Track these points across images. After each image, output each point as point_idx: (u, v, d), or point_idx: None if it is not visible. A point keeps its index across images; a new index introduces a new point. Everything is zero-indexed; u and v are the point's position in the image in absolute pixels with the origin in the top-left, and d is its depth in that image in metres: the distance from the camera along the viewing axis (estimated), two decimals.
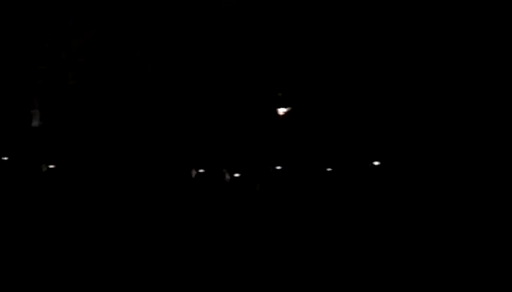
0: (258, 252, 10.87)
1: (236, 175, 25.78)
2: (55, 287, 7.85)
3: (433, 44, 21.92)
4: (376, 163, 22.43)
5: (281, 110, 23.22)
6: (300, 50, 23.93)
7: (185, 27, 24.34)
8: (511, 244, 11.37)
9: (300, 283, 8.21)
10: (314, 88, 24.09)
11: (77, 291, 7.67)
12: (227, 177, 25.44)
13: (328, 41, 23.41)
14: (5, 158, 22.86)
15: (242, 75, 24.75)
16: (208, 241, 12.37)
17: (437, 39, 21.83)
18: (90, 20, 24.22)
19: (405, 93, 22.46)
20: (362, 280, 8.32)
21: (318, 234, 13.77)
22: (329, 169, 23.88)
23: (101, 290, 7.72)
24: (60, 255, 10.30)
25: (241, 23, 24.01)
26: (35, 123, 23.49)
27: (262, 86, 24.73)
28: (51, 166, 23.29)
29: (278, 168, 25.20)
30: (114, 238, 12.84)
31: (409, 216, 16.93)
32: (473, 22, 20.65)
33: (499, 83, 20.29)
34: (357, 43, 23.09)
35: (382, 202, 19.84)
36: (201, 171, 25.25)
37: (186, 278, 8.56)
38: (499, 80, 20.27)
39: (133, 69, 24.72)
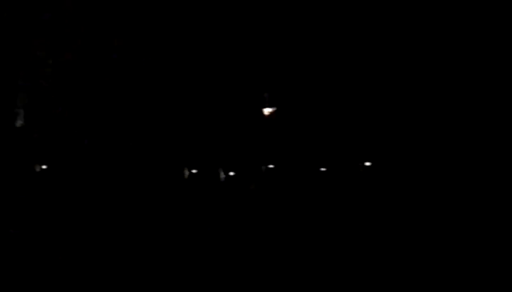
0: (253, 250, 10.92)
1: (231, 173, 25.83)
2: (51, 287, 7.87)
3: (423, 44, 22.02)
4: (367, 164, 22.57)
5: (267, 110, 23.27)
6: (292, 51, 23.98)
7: (178, 29, 24.33)
8: (504, 242, 11.47)
9: (295, 281, 8.25)
10: (307, 90, 24.17)
11: (73, 290, 7.69)
12: (222, 176, 25.47)
13: (321, 41, 23.46)
14: None
15: (234, 77, 24.79)
16: (203, 240, 12.41)
17: (426, 38, 21.94)
18: (78, 19, 24.17)
19: (396, 95, 22.55)
20: (356, 279, 8.36)
21: (311, 232, 13.83)
22: (322, 169, 23.99)
23: (96, 290, 7.74)
24: (54, 254, 10.31)
25: (229, 25, 24.05)
26: (19, 123, 23.37)
27: (253, 87, 24.80)
28: (44, 167, 23.27)
29: (271, 166, 25.28)
30: (109, 237, 12.85)
31: (401, 216, 17.03)
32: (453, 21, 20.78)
33: (491, 85, 20.43)
34: (350, 42, 23.15)
35: (373, 202, 19.95)
36: (194, 171, 25.28)
37: (181, 277, 8.58)
38: (491, 82, 20.40)
39: (124, 70, 24.70)
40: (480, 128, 20.19)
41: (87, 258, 9.94)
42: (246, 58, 24.42)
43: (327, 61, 23.64)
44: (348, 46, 23.15)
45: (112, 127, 24.38)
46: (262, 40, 23.81)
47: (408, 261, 9.45)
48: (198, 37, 24.23)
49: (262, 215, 17.72)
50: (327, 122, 23.90)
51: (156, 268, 8.97)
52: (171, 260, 9.73)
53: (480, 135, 20.02)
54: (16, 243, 11.35)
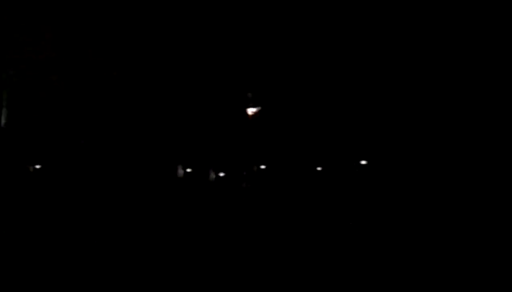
0: (245, 250, 10.95)
1: (221, 174, 25.82)
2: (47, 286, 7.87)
3: (411, 39, 22.14)
4: (363, 162, 22.65)
5: (250, 111, 23.17)
6: (277, 50, 24.02)
7: (162, 31, 24.27)
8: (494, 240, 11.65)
9: (289, 281, 8.29)
10: (295, 88, 24.22)
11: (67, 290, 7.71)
12: (212, 176, 25.46)
13: (307, 38, 23.52)
14: None
15: (225, 76, 24.79)
16: (196, 239, 12.42)
17: (414, 34, 22.06)
18: (60, 18, 24.01)
19: (389, 92, 22.68)
20: (351, 278, 8.42)
21: (306, 232, 13.89)
22: (318, 168, 24.05)
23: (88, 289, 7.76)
24: (47, 254, 10.28)
25: (212, 25, 24.04)
26: (2, 121, 23.08)
27: (236, 87, 24.81)
28: (37, 166, 23.08)
29: (262, 167, 25.28)
30: (104, 236, 12.81)
31: (395, 215, 17.15)
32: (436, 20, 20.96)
33: (486, 84, 20.63)
34: (337, 39, 23.22)
35: (369, 200, 20.03)
36: (188, 170, 25.25)
37: (174, 276, 8.59)
38: (487, 82, 20.60)
39: (113, 68, 24.60)
40: (475, 126, 20.40)
41: (81, 257, 9.91)
42: (231, 59, 24.42)
43: (313, 58, 23.68)
44: (336, 42, 23.20)
45: (104, 126, 24.29)
46: (245, 39, 23.83)
47: (404, 260, 9.54)
48: (184, 39, 24.20)
49: (255, 215, 17.72)
50: (316, 121, 23.96)
51: (150, 266, 8.99)
52: (165, 258, 9.74)
53: (476, 134, 20.23)
54: (11, 243, 11.26)
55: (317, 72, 23.77)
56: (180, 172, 24.27)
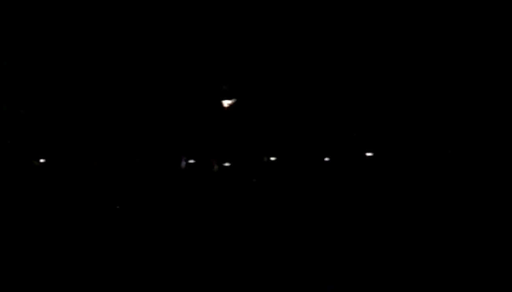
0: (251, 246, 10.93)
1: (227, 164, 25.77)
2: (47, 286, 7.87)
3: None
4: (368, 154, 22.56)
5: (226, 103, 22.95)
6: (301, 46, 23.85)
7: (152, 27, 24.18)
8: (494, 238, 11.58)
9: (295, 277, 8.27)
10: (309, 82, 24.10)
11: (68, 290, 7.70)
12: (216, 167, 25.38)
13: (329, 34, 23.33)
14: None
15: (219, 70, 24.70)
16: (200, 234, 12.42)
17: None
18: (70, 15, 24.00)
19: (393, 86, 22.54)
20: (359, 274, 8.38)
21: (311, 226, 13.86)
22: (326, 159, 23.94)
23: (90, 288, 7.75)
24: (49, 251, 10.31)
25: (190, 17, 23.91)
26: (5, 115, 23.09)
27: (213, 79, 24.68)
28: (42, 161, 23.19)
29: (273, 158, 25.24)
30: (108, 230, 12.85)
31: (403, 208, 17.09)
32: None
33: (492, 80, 20.45)
34: (323, 28, 23.01)
35: (376, 193, 19.98)
36: (191, 161, 25.21)
37: (177, 273, 8.58)
38: (492, 78, 20.42)
39: (116, 64, 24.60)
40: (480, 122, 20.25)
41: (87, 252, 9.93)
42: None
43: (313, 51, 23.51)
44: (337, 36, 23.01)
45: (107, 120, 24.35)
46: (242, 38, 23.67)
47: (410, 255, 9.48)
48: (174, 36, 24.10)
49: (264, 210, 17.68)
50: (322, 113, 23.84)
51: (155, 262, 8.97)
52: (171, 254, 9.73)
53: (481, 130, 20.09)
54: (17, 239, 11.31)
55: (320, 64, 23.63)
56: (183, 163, 24.21)
